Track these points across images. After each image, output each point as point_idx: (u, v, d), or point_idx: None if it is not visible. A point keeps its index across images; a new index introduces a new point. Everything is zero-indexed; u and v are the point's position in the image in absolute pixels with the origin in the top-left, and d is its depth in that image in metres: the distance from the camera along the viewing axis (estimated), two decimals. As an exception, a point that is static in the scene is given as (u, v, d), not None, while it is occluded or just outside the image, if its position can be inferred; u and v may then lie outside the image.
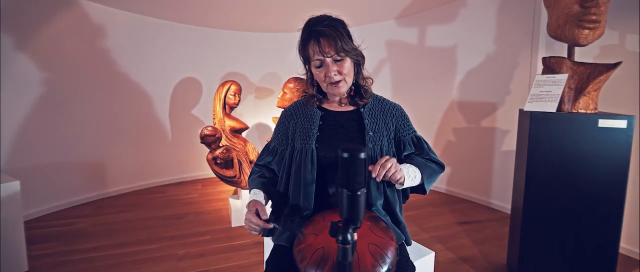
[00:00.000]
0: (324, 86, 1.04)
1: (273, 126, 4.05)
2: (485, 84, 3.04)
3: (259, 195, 1.03)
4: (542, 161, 1.58)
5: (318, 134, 1.05)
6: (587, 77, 1.55)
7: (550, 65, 1.65)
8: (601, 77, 1.52)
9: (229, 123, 2.70)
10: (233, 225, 2.60)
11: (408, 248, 1.19)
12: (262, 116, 4.06)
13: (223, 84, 2.73)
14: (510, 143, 2.88)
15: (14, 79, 2.63)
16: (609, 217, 1.50)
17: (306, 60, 1.05)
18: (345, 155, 0.55)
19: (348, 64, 1.01)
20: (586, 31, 1.48)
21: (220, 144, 2.54)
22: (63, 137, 2.95)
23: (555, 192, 1.57)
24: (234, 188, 3.50)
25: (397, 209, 1.07)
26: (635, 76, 2.02)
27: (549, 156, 1.56)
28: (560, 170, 1.55)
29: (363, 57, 1.06)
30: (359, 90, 1.09)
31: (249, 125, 3.93)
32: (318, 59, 0.99)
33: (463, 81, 3.22)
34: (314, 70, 1.03)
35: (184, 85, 3.72)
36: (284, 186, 1.11)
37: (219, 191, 3.51)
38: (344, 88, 1.03)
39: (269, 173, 1.14)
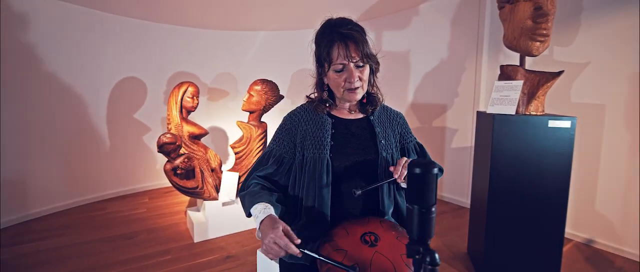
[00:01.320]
0: (339, 91, 0.99)
1: (230, 131, 3.83)
2: (437, 87, 3.29)
3: (272, 209, 0.91)
4: (504, 158, 1.76)
5: (332, 143, 1.01)
6: (537, 83, 1.77)
7: (507, 73, 1.84)
8: (548, 83, 1.75)
9: (188, 128, 2.48)
10: (196, 240, 2.39)
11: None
12: (217, 120, 3.81)
13: (179, 86, 2.49)
14: (459, 141, 3.16)
15: None
16: (556, 205, 1.74)
17: (323, 63, 0.99)
18: (417, 170, 0.53)
19: (367, 71, 0.99)
20: (538, 43, 1.69)
21: (180, 152, 2.31)
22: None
23: (515, 185, 1.76)
24: (188, 199, 3.23)
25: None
26: (564, 83, 2.38)
27: (509, 154, 1.75)
28: (519, 165, 1.75)
29: (378, 64, 1.05)
30: (370, 98, 1.09)
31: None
32: (341, 63, 0.95)
33: (416, 84, 3.44)
34: (331, 74, 0.98)
35: (125, 86, 3.30)
36: (294, 197, 1.04)
37: (171, 203, 3.20)
38: (360, 95, 1.00)
39: (271, 186, 1.04)
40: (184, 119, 2.49)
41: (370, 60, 0.99)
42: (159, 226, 2.67)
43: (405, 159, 0.97)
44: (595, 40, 2.27)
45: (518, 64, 1.87)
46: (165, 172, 2.25)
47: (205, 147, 2.56)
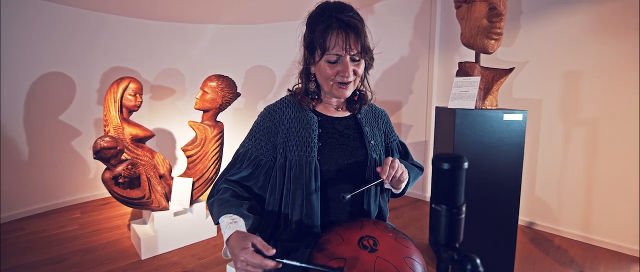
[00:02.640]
0: (328, 85, 0.89)
1: (179, 133, 3.50)
2: (393, 85, 3.37)
3: (239, 223, 0.79)
4: (465, 150, 1.83)
5: (319, 144, 0.90)
6: (492, 79, 1.88)
7: (465, 69, 1.92)
8: (502, 80, 1.86)
9: (130, 130, 2.17)
10: (144, 257, 2.11)
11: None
12: (162, 121, 3.44)
13: (118, 82, 2.17)
14: (414, 136, 3.28)
15: None
16: (511, 193, 1.86)
17: (314, 50, 0.87)
18: (446, 166, 0.47)
19: (362, 66, 0.90)
20: (493, 41, 1.79)
21: (122, 158, 2.01)
22: None
23: (474, 176, 1.85)
24: (131, 210, 2.86)
25: (387, 216, 1.05)
26: (507, 79, 2.58)
27: (470, 146, 1.82)
28: (478, 157, 1.83)
29: (373, 60, 0.96)
30: (361, 95, 1.01)
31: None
32: (337, 54, 0.84)
33: (373, 82, 3.48)
34: (323, 64, 0.87)
35: (47, 83, 2.80)
36: (275, 205, 0.93)
37: (109, 216, 2.80)
38: (350, 91, 0.91)
39: (243, 192, 0.91)
40: (125, 119, 2.18)
41: (367, 55, 0.90)
42: (95, 244, 2.31)
43: (391, 158, 0.90)
44: (533, 41, 2.50)
45: (473, 61, 1.96)
46: (104, 181, 1.94)
47: (152, 152, 2.27)
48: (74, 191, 3.04)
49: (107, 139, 1.83)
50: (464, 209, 0.49)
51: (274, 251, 0.70)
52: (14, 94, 2.65)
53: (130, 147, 2.14)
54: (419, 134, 3.22)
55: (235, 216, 0.80)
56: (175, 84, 3.45)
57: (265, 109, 0.97)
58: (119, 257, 2.13)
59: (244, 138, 0.98)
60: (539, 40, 2.46)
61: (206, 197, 0.95)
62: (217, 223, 0.83)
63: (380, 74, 3.45)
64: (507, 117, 1.79)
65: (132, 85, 2.20)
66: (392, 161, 0.88)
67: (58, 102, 2.88)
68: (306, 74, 0.95)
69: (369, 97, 1.04)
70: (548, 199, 2.53)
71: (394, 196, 1.12)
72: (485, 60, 2.57)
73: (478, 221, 1.88)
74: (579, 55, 2.30)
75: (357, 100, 1.01)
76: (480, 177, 1.84)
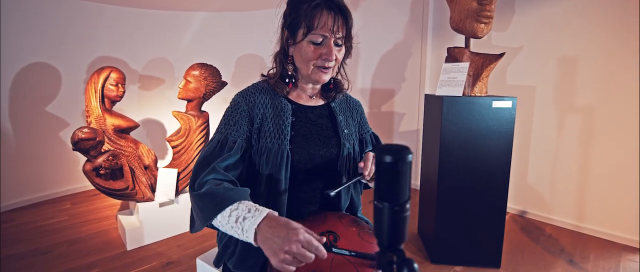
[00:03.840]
0: (307, 68, 0.85)
1: (169, 123, 3.45)
2: (385, 72, 3.30)
3: (264, 209, 0.66)
4: (452, 138, 1.78)
5: (292, 133, 0.87)
6: (481, 65, 1.81)
7: (454, 55, 1.86)
8: (491, 65, 1.80)
9: (112, 121, 2.13)
10: (129, 248, 2.10)
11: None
12: (151, 111, 3.40)
13: (98, 72, 2.11)
14: (407, 125, 3.23)
15: None
16: (500, 181, 1.82)
17: (297, 29, 0.82)
18: (389, 159, 0.42)
19: (343, 53, 0.88)
20: (482, 25, 1.72)
21: (103, 150, 1.98)
22: None
23: (462, 164, 1.80)
24: (120, 202, 2.85)
25: (359, 212, 1.02)
26: (500, 66, 2.51)
27: (457, 134, 1.78)
28: (466, 145, 1.79)
29: (352, 48, 0.93)
30: (336, 83, 0.97)
31: (138, 120, 3.24)
32: (323, 34, 0.80)
33: (365, 69, 3.41)
34: (306, 44, 0.82)
35: (32, 74, 2.74)
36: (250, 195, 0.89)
37: (98, 207, 2.79)
38: (329, 77, 0.88)
39: (237, 183, 0.80)
40: (107, 110, 2.14)
41: (348, 42, 0.88)
42: (83, 235, 2.30)
43: (371, 154, 0.88)
44: (527, 26, 2.41)
45: (467, 47, 1.89)
46: (85, 173, 1.91)
47: (136, 142, 2.24)
48: (64, 182, 3.03)
49: (85, 130, 1.79)
50: (408, 206, 0.44)
51: (325, 240, 0.61)
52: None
53: (112, 138, 2.10)
54: (411, 122, 3.17)
55: (255, 204, 0.68)
56: (165, 74, 3.38)
57: (237, 94, 0.91)
58: (105, 248, 2.12)
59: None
60: (534, 24, 2.38)
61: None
62: (212, 217, 0.69)
63: (370, 62, 3.37)
64: (496, 104, 1.74)
65: (113, 75, 2.15)
66: (374, 156, 0.86)
67: (43, 94, 2.84)
68: (284, 56, 0.89)
69: (345, 86, 1.00)
70: (540, 187, 2.49)
71: (366, 187, 1.10)
72: (478, 46, 2.49)
73: (465, 209, 1.85)
74: (575, 40, 2.22)
75: (333, 88, 0.97)
76: (468, 166, 1.80)
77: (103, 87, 2.11)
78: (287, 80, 0.90)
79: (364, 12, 3.31)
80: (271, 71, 0.94)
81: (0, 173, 2.65)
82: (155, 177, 2.24)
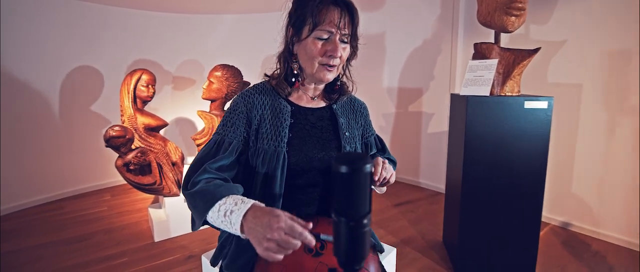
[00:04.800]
0: (312, 65, 0.82)
1: (197, 121, 3.61)
2: (412, 70, 3.17)
3: (250, 201, 0.66)
4: (478, 141, 1.65)
5: (290, 135, 0.85)
6: (512, 61, 1.66)
7: (481, 51, 1.72)
8: (524, 62, 1.63)
9: (143, 120, 2.26)
10: (156, 240, 2.21)
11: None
12: (183, 110, 3.57)
13: (131, 74, 2.25)
14: (436, 125, 3.07)
15: None
16: (533, 189, 1.65)
17: (303, 26, 0.80)
18: (344, 169, 0.38)
19: (347, 51, 0.85)
20: (513, 18, 1.57)
21: (133, 147, 2.10)
22: None
23: (489, 170, 1.67)
24: (152, 196, 3.02)
25: None
26: (541, 62, 2.29)
27: (484, 137, 1.64)
28: (494, 149, 1.65)
29: (357, 49, 0.90)
30: (342, 85, 0.94)
31: (168, 121, 3.42)
32: (329, 31, 0.78)
33: (391, 68, 3.30)
34: (311, 40, 0.80)
35: (78, 75, 3.01)
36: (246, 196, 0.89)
37: (134, 199, 2.98)
38: (333, 75, 0.85)
39: (229, 182, 0.81)
40: (139, 109, 2.27)
41: (354, 42, 0.86)
42: (118, 225, 2.47)
43: (381, 159, 0.85)
44: (572, 17, 2.17)
45: (497, 42, 1.75)
46: (117, 168, 2.05)
47: (164, 140, 2.35)
48: (106, 175, 3.28)
49: (116, 128, 1.92)
50: (365, 222, 0.40)
51: (311, 225, 0.58)
52: (50, 88, 2.88)
53: (143, 135, 2.23)
54: (440, 123, 3.01)
55: (242, 197, 0.68)
56: (195, 75, 3.54)
57: (238, 94, 0.91)
58: (136, 238, 2.26)
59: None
60: (578, 15, 2.13)
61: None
62: (201, 221, 0.71)
63: (397, 60, 3.25)
64: (529, 104, 1.58)
65: (144, 77, 2.27)
66: (383, 162, 0.83)
67: (89, 94, 3.10)
68: (289, 55, 0.88)
69: (350, 88, 0.97)
70: (587, 197, 2.24)
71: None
72: (513, 41, 2.30)
73: (493, 218, 1.71)
74: (627, 32, 1.95)
75: (337, 90, 0.95)
76: (496, 171, 1.66)
77: (135, 88, 2.25)
78: (293, 79, 0.87)
79: (390, 8, 3.20)
80: (275, 72, 0.91)
81: (50, 166, 2.94)
82: (181, 173, 2.34)
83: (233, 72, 2.23)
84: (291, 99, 0.90)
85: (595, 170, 2.18)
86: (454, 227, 1.87)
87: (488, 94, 1.61)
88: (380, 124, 3.48)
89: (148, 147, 2.19)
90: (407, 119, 3.28)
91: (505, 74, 1.68)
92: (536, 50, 1.62)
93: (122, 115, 2.25)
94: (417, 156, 3.26)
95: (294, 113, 0.88)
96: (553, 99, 1.56)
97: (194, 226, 0.78)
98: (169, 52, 3.38)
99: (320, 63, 0.82)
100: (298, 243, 0.55)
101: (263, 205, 0.64)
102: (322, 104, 0.94)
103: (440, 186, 3.09)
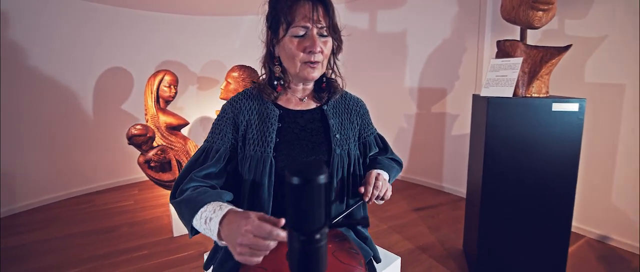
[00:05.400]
0: (296, 66, 0.80)
1: (219, 119, 3.69)
2: (435, 70, 3.04)
3: (227, 206, 0.67)
4: (499, 145, 1.54)
5: (277, 140, 0.83)
6: (539, 60, 1.53)
7: (505, 49, 1.60)
8: (553, 60, 1.50)
9: (165, 119, 2.35)
10: (175, 235, 2.29)
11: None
12: (207, 109, 3.68)
13: (155, 75, 2.35)
14: (460, 127, 2.92)
15: None
16: (562, 198, 1.52)
17: (278, 26, 0.79)
18: (295, 180, 0.35)
19: (330, 45, 0.82)
20: (540, 13, 1.44)
21: (154, 144, 2.19)
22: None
23: (512, 176, 1.55)
24: (177, 191, 3.13)
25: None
26: (577, 60, 2.10)
27: (506, 141, 1.53)
28: (517, 154, 1.53)
29: (342, 43, 0.87)
30: (329, 83, 0.90)
31: (191, 120, 3.54)
32: (304, 27, 0.76)
33: (414, 67, 3.19)
34: (288, 39, 0.78)
35: (110, 76, 3.19)
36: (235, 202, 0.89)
37: (158, 195, 3.11)
38: (318, 72, 0.82)
39: (216, 188, 0.81)
40: (161, 109, 2.36)
41: (335, 34, 0.82)
42: (142, 219, 2.59)
43: (374, 174, 0.81)
44: (612, 11, 1.97)
45: (523, 39, 1.62)
46: (139, 165, 2.14)
47: (185, 138, 2.43)
48: (135, 171, 3.45)
49: (138, 127, 2.00)
50: (318, 237, 0.37)
51: (283, 222, 0.56)
52: (85, 88, 3.08)
53: (164, 134, 2.32)
54: (465, 125, 2.86)
55: (221, 203, 0.69)
56: (219, 75, 3.63)
57: (227, 101, 0.91)
58: (157, 232, 2.36)
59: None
60: (620, 8, 1.93)
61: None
62: (191, 229, 0.71)
63: (419, 59, 3.13)
64: (558, 107, 1.45)
65: (167, 78, 2.36)
66: (376, 179, 0.80)
67: (119, 94, 3.27)
68: (270, 58, 0.86)
69: (339, 85, 0.92)
70: (630, 209, 2.02)
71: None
72: (546, 37, 2.13)
73: (515, 228, 1.59)
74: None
75: (325, 88, 0.90)
76: (519, 178, 1.54)
77: (158, 88, 2.34)
78: (275, 82, 0.86)
79: (412, 5, 3.08)
80: (261, 77, 0.90)
81: (83, 161, 3.14)
82: (199, 171, 2.40)
83: (249, 72, 2.25)
84: (279, 102, 0.88)
85: (638, 179, 1.96)
86: (474, 235, 1.76)
87: (511, 96, 1.50)
88: (401, 125, 3.38)
89: (169, 145, 2.28)
90: (430, 120, 3.15)
91: (531, 73, 1.56)
92: (567, 47, 1.49)
93: (146, 115, 2.35)
94: (440, 159, 3.13)
95: (282, 117, 0.86)
96: (585, 101, 1.42)
97: (190, 233, 0.78)
98: (194, 53, 3.50)
99: (301, 61, 0.79)
100: (270, 243, 0.53)
101: (240, 210, 0.63)
102: (313, 105, 0.90)
103: (464, 191, 2.93)
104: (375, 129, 1.01)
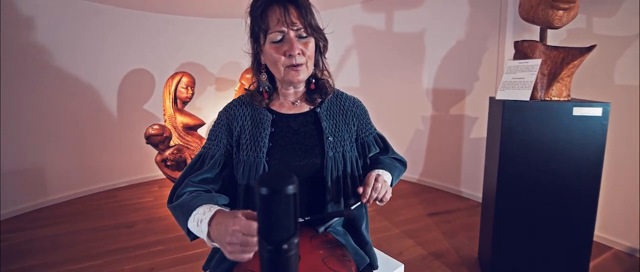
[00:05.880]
0: (280, 71, 0.81)
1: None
2: (454, 71, 2.95)
3: (216, 207, 0.70)
4: (515, 151, 1.48)
5: (270, 144, 0.83)
6: (560, 62, 1.45)
7: (523, 50, 1.53)
8: (575, 62, 1.42)
9: (181, 119, 2.42)
10: (190, 232, 2.36)
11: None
12: (224, 109, 3.77)
13: (173, 76, 2.43)
14: (479, 131, 2.83)
15: None
16: (583, 207, 1.43)
17: (258, 35, 0.81)
18: (263, 191, 0.35)
19: (312, 46, 0.81)
20: (560, 12, 1.37)
21: (171, 144, 2.26)
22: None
23: (528, 183, 1.48)
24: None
25: (363, 227, 0.90)
26: (605, 61, 1.98)
27: (522, 147, 1.47)
28: (534, 160, 1.46)
29: (327, 41, 0.86)
30: (319, 84, 0.90)
31: (209, 120, 3.62)
32: (280, 31, 0.77)
33: (431, 68, 3.11)
34: (269, 47, 0.79)
35: (133, 77, 3.33)
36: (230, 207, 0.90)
37: (177, 192, 3.22)
38: (304, 74, 0.82)
39: (211, 193, 0.84)
40: (178, 109, 2.44)
41: (316, 33, 0.81)
42: (160, 215, 2.68)
43: (374, 175, 0.80)
44: (647, 7, 1.84)
45: (542, 40, 1.54)
46: (157, 163, 2.22)
47: (201, 138, 2.50)
48: (155, 168, 3.58)
49: (155, 126, 2.08)
50: (285, 247, 0.36)
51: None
52: (110, 88, 3.23)
53: (181, 133, 2.39)
54: (484, 128, 2.75)
55: (211, 205, 0.70)
56: (236, 76, 3.69)
57: (222, 109, 0.93)
58: (173, 229, 2.43)
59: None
60: (657, 5, 1.80)
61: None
62: (188, 232, 0.73)
63: (438, 59, 3.05)
64: (579, 111, 1.37)
65: (184, 79, 2.44)
66: (375, 181, 0.78)
67: (141, 94, 3.41)
68: (256, 67, 0.88)
69: (330, 85, 0.92)
70: (661, 221, 1.88)
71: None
72: (572, 36, 2.02)
73: (535, 238, 1.52)
74: None
75: (314, 90, 0.90)
76: (535, 185, 1.47)
77: (176, 89, 2.42)
78: (260, 89, 0.87)
79: (431, 3, 3.01)
80: (251, 86, 0.92)
81: (108, 158, 3.30)
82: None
83: (262, 74, 2.28)
84: (273, 107, 0.89)
85: (674, 189, 1.82)
86: (488, 244, 1.70)
87: (528, 99, 1.43)
88: (418, 127, 3.31)
89: (185, 145, 2.35)
90: (448, 122, 3.06)
91: (551, 75, 1.48)
92: (590, 48, 1.40)
93: (164, 115, 2.43)
94: (458, 162, 3.04)
95: (275, 121, 0.86)
96: (609, 105, 1.33)
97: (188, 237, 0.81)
98: (212, 55, 3.59)
99: (284, 65, 0.79)
100: (252, 245, 0.55)
101: (227, 211, 0.64)
102: (306, 108, 0.90)
103: (477, 194, 2.83)
104: (375, 129, 0.98)
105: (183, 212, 0.72)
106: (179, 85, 2.43)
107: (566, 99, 1.49)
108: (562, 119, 1.39)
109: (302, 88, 0.90)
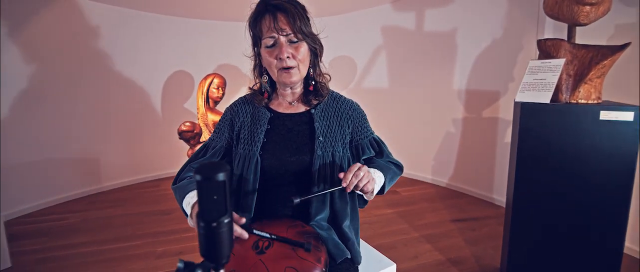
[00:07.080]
0: (274, 73, 0.90)
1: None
2: (487, 71, 2.81)
3: None
4: (533, 157, 1.40)
5: (264, 140, 0.92)
6: (589, 61, 1.34)
7: (547, 49, 1.44)
8: (605, 62, 1.31)
9: (212, 117, 2.61)
10: (218, 222, 2.54)
11: (368, 260, 1.08)
12: (257, 108, 3.95)
13: (206, 78, 2.63)
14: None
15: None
16: (611, 218, 1.31)
17: (256, 40, 0.91)
18: (198, 177, 0.42)
19: (304, 50, 0.88)
20: (587, 8, 1.27)
21: (201, 140, 2.46)
22: (52, 133, 2.95)
23: (548, 191, 1.39)
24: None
25: (345, 224, 0.94)
26: (653, 59, 1.77)
27: (541, 152, 1.38)
28: (555, 167, 1.37)
29: (322, 46, 0.93)
30: (316, 87, 0.96)
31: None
32: (271, 37, 0.85)
33: (463, 68, 2.99)
34: (263, 51, 0.88)
35: (175, 78, 3.65)
36: None
37: (211, 185, 3.46)
38: (297, 76, 0.89)
39: None
40: (210, 108, 2.63)
41: (307, 37, 0.88)
42: (193, 205, 2.91)
43: (358, 165, 0.83)
44: None
45: (570, 38, 1.44)
46: (188, 157, 2.42)
47: (229, 135, 2.67)
48: (193, 162, 3.88)
49: (187, 123, 2.28)
50: (214, 225, 0.43)
51: (244, 220, 0.71)
52: (155, 88, 3.57)
53: (212, 130, 2.58)
54: (518, 132, 2.59)
55: None
56: (268, 76, 3.86)
57: (229, 105, 1.03)
58: (203, 219, 2.64)
59: None
60: None
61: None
62: (181, 207, 0.86)
63: (470, 60, 2.92)
64: (606, 115, 1.26)
65: (216, 80, 2.62)
66: (357, 169, 0.82)
67: (182, 94, 3.72)
68: (258, 70, 0.97)
69: (327, 89, 0.98)
70: None
71: (365, 202, 1.03)
72: (620, 33, 1.83)
73: (555, 250, 1.42)
74: None
75: (312, 91, 0.96)
76: (556, 193, 1.38)
77: (208, 90, 2.61)
78: (262, 90, 0.96)
79: (462, 2, 2.89)
80: (255, 86, 1.01)
81: (153, 151, 3.64)
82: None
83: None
84: (272, 106, 0.96)
85: None
86: (506, 254, 1.62)
87: (549, 101, 1.34)
88: (449, 130, 3.19)
89: (214, 141, 2.53)
90: (481, 125, 2.92)
91: (577, 76, 1.37)
92: (623, 46, 1.28)
93: (197, 113, 2.65)
94: (490, 167, 2.88)
95: (272, 119, 0.94)
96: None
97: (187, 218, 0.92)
98: (245, 57, 3.78)
99: (277, 68, 0.87)
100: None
101: None
102: (302, 108, 0.96)
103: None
104: (373, 133, 1.01)
105: (180, 194, 0.85)
106: (211, 86, 2.62)
107: (596, 101, 1.37)
108: (588, 123, 1.29)
109: (299, 89, 0.97)
